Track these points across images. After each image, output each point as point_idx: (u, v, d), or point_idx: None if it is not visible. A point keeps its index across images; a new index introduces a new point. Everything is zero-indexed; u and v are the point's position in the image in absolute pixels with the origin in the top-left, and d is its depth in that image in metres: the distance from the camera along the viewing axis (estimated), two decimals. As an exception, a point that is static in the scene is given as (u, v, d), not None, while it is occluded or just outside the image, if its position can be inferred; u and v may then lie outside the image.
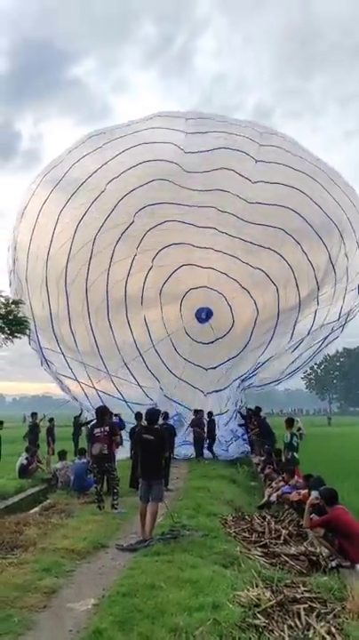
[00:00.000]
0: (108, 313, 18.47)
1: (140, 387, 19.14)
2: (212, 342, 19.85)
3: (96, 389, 17.50)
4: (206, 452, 17.34)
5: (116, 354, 18.58)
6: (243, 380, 18.65)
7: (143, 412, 10.26)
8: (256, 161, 16.38)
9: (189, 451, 17.93)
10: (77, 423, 18.81)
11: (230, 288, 19.30)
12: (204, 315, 19.26)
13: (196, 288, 19.46)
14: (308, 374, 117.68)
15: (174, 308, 20.10)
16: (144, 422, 9.07)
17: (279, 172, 16.37)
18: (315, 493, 6.94)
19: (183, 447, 18.27)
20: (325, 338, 17.24)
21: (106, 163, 16.39)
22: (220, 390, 19.74)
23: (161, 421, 11.00)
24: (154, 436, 7.55)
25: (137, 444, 8.25)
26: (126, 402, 17.79)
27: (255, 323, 19.14)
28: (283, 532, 7.76)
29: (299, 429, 12.67)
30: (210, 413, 18.28)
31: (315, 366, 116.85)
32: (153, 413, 8.03)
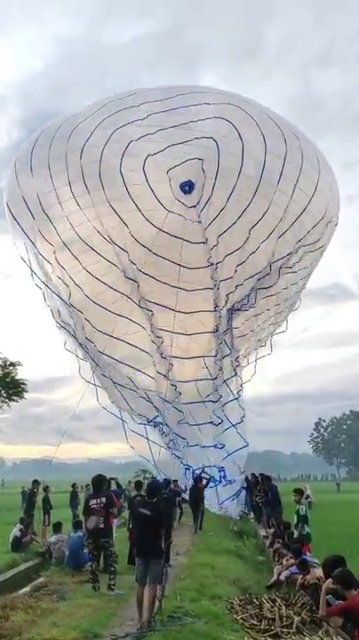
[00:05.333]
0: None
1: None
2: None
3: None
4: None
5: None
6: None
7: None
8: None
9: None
10: (74, 491, 18.18)
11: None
12: (188, 187, 18.93)
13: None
14: (315, 437, 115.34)
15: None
16: (143, 493, 8.51)
17: None
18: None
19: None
20: None
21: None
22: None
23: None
24: (150, 510, 6.94)
25: (133, 519, 7.63)
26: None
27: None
28: (296, 618, 7.01)
29: (307, 497, 11.87)
30: (198, 477, 17.79)
31: (322, 429, 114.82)
32: (154, 486, 7.52)
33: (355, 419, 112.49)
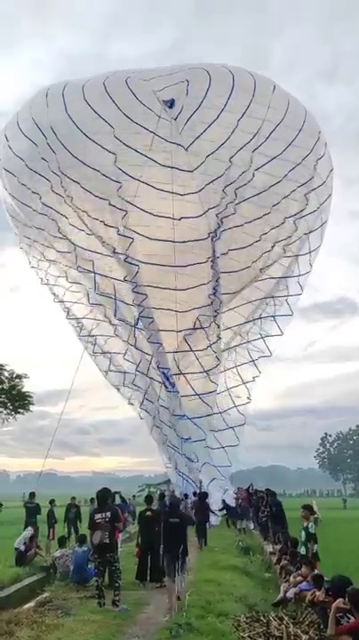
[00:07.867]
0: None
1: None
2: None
3: None
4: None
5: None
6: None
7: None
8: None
9: None
10: (74, 504, 18.17)
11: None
12: (169, 104, 18.78)
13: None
14: (321, 452, 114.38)
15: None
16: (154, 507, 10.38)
17: None
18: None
19: None
20: None
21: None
22: None
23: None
24: (179, 518, 8.79)
25: (164, 528, 8.93)
26: None
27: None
28: (304, 637, 6.91)
29: (313, 513, 11.68)
30: (204, 494, 17.71)
31: (328, 444, 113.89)
32: (175, 501, 9.70)
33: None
